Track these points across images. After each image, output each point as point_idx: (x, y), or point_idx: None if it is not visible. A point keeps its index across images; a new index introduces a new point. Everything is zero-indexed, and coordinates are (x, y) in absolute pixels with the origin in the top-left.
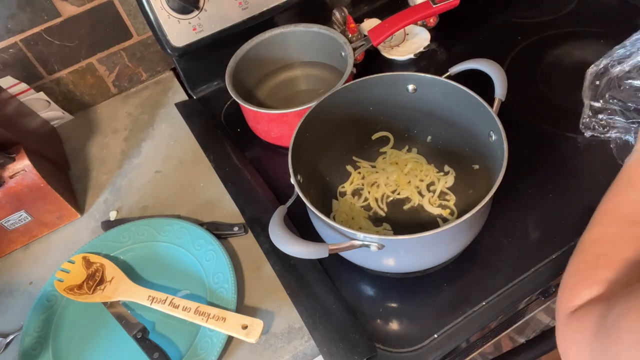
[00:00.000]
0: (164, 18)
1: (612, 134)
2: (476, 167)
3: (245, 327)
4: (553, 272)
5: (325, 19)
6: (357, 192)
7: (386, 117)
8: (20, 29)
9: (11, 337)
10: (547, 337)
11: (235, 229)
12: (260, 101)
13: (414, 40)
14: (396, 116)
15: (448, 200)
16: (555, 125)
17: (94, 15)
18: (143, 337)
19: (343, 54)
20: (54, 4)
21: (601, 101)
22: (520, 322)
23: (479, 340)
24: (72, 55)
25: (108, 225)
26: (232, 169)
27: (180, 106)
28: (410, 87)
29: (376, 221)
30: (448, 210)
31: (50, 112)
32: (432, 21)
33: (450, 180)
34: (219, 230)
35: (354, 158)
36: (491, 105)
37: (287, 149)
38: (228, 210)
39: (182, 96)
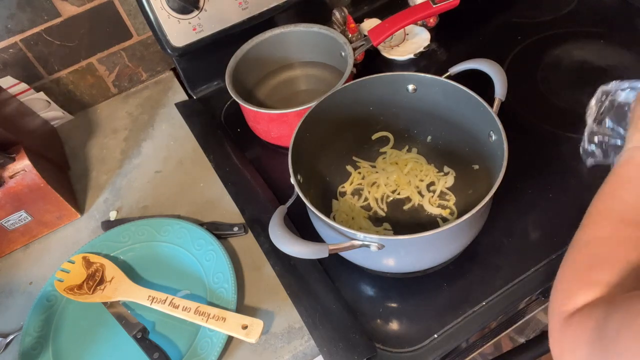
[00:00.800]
0: (164, 18)
1: (613, 159)
2: (476, 167)
3: (245, 327)
4: (553, 272)
5: (325, 19)
6: (357, 192)
7: (386, 117)
8: (20, 29)
9: (11, 337)
10: (547, 337)
11: (235, 229)
12: (260, 101)
13: (414, 40)
14: (396, 116)
15: (448, 200)
16: (555, 125)
17: (94, 15)
18: (143, 337)
19: (343, 54)
20: (54, 4)
21: (603, 123)
22: (520, 322)
23: (479, 340)
24: (72, 55)
25: (108, 225)
26: (232, 169)
27: (180, 106)
28: (410, 87)
29: (376, 221)
30: (448, 210)
31: (50, 112)
32: (432, 21)
33: (450, 180)
34: (219, 230)
35: (354, 158)
36: (491, 105)
37: (287, 149)
38: (228, 210)
39: (182, 96)
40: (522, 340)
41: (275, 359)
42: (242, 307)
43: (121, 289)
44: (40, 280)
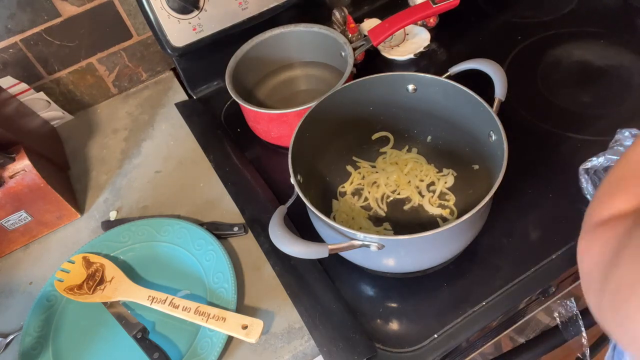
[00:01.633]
0: (164, 18)
1: None
2: (476, 167)
3: (245, 327)
4: (553, 272)
5: (325, 19)
6: (357, 192)
7: (386, 117)
8: (20, 29)
9: (11, 337)
10: (547, 337)
11: (235, 229)
12: (260, 101)
13: (414, 40)
14: (396, 116)
15: (448, 200)
16: (555, 125)
17: (94, 15)
18: (143, 337)
19: (343, 54)
20: (54, 4)
21: None
22: (520, 322)
23: (479, 340)
24: (72, 55)
25: (108, 225)
26: (232, 169)
27: (180, 106)
28: (410, 87)
29: (376, 221)
30: (448, 210)
31: (50, 112)
32: (432, 21)
33: (450, 180)
34: (219, 230)
35: (354, 158)
36: (491, 105)
37: (287, 149)
38: (228, 210)
39: (182, 96)
40: (522, 340)
41: (275, 359)
42: (242, 307)
43: (121, 289)
44: (40, 280)
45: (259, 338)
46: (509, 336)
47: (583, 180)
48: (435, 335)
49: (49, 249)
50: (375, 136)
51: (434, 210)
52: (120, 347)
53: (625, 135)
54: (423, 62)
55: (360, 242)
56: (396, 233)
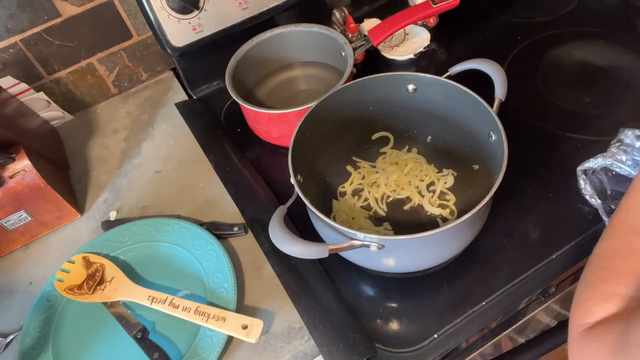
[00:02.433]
0: (164, 18)
1: None
2: (476, 167)
3: (245, 327)
4: (553, 272)
5: (325, 19)
6: (357, 192)
7: (386, 117)
8: (20, 29)
9: (11, 337)
10: (547, 337)
11: (235, 229)
12: (260, 101)
13: (414, 40)
14: (396, 116)
15: (448, 200)
16: (555, 125)
17: (94, 15)
18: (143, 337)
19: (343, 54)
20: (54, 4)
21: (608, 194)
22: (520, 322)
23: (479, 340)
24: (72, 55)
25: (108, 225)
26: (232, 169)
27: (180, 106)
28: (410, 87)
29: (376, 221)
30: (448, 210)
31: (50, 112)
32: (432, 21)
33: (450, 180)
34: (219, 230)
35: (354, 158)
36: (491, 105)
37: (287, 149)
38: (228, 210)
39: (182, 96)
40: (522, 340)
41: (275, 359)
42: (242, 307)
43: (121, 289)
44: (40, 280)
45: (259, 338)
46: (509, 336)
47: (581, 181)
48: (435, 335)
49: (49, 249)
50: (375, 136)
51: (434, 210)
52: (120, 347)
53: (627, 135)
54: (423, 62)
55: (360, 242)
56: (396, 233)
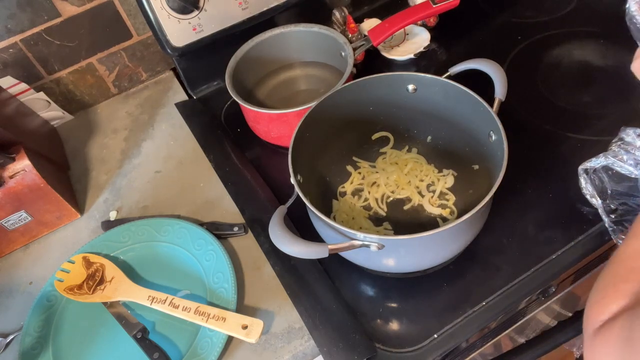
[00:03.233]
0: (164, 18)
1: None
2: (476, 167)
3: (245, 327)
4: (553, 272)
5: (325, 19)
6: (357, 192)
7: (386, 117)
8: (20, 29)
9: (11, 337)
10: (547, 337)
11: (235, 229)
12: (260, 101)
13: (414, 40)
14: (396, 116)
15: (448, 200)
16: (555, 125)
17: (94, 15)
18: (143, 337)
19: (343, 54)
20: (54, 4)
21: (609, 194)
22: (520, 322)
23: (479, 340)
24: (72, 55)
25: (108, 225)
26: (232, 169)
27: (180, 106)
28: (410, 87)
29: (376, 221)
30: (448, 210)
31: (50, 112)
32: (432, 21)
33: (450, 180)
34: (219, 230)
35: (354, 158)
36: (491, 105)
37: (287, 149)
38: (228, 210)
39: (182, 96)
40: (522, 340)
41: (275, 359)
42: (242, 307)
43: (121, 289)
44: (40, 280)
45: (259, 338)
46: (509, 336)
47: (582, 180)
48: (435, 335)
49: (49, 249)
50: (375, 136)
51: (434, 210)
52: (120, 347)
53: (629, 134)
54: (423, 62)
55: (360, 242)
56: (396, 233)
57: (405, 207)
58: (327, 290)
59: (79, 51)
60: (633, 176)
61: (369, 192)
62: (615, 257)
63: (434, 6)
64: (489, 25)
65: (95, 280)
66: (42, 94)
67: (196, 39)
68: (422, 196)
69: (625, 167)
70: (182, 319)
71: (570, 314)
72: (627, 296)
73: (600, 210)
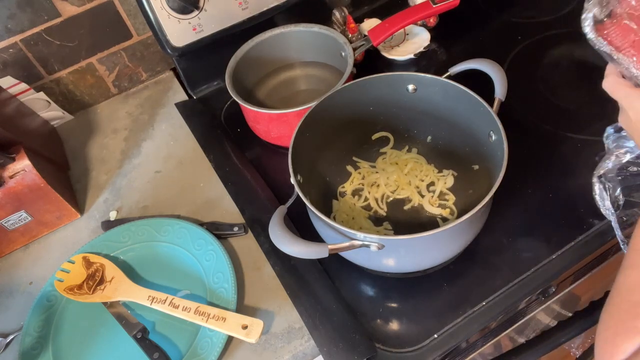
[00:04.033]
0: (164, 18)
1: None
2: (476, 167)
3: (245, 327)
4: (553, 272)
5: (325, 19)
6: (357, 192)
7: (386, 117)
8: (20, 29)
9: (11, 337)
10: (547, 337)
11: (235, 229)
12: (260, 101)
13: (414, 40)
14: (396, 116)
15: (448, 200)
16: (555, 125)
17: (94, 15)
18: (143, 337)
19: (343, 54)
20: (54, 4)
21: (620, 204)
22: (520, 322)
23: (479, 340)
24: (72, 55)
25: (108, 225)
26: (232, 169)
27: (180, 106)
28: (410, 87)
29: (376, 221)
30: (448, 210)
31: (50, 112)
32: (432, 21)
33: (450, 180)
34: (219, 230)
35: (354, 158)
36: (491, 105)
37: (287, 149)
38: (228, 210)
39: (182, 96)
40: (522, 340)
41: (275, 359)
42: (242, 307)
43: (121, 289)
44: (40, 280)
45: (259, 338)
46: (509, 336)
47: (597, 189)
48: (435, 335)
49: (49, 249)
50: (375, 136)
51: (434, 210)
52: (120, 347)
53: (610, 133)
54: (423, 62)
55: (360, 242)
56: (396, 233)
57: (405, 207)
58: (327, 290)
59: (79, 51)
60: None
61: (369, 192)
62: (617, 290)
63: (434, 6)
64: (489, 25)
65: (95, 280)
66: (42, 94)
67: (196, 39)
68: (422, 196)
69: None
70: (182, 319)
71: (570, 314)
72: (639, 333)
73: (614, 222)
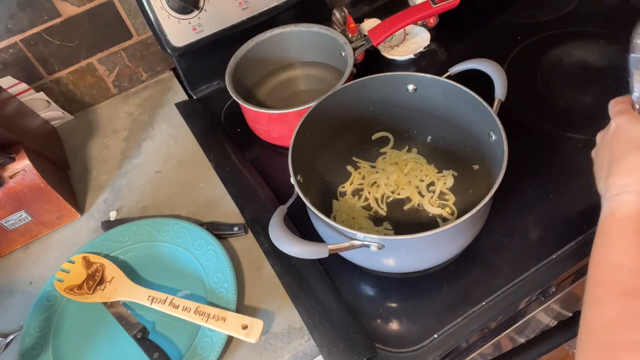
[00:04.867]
0: (164, 18)
1: None
2: (476, 167)
3: (245, 327)
4: (553, 272)
5: (325, 19)
6: (357, 192)
7: (386, 117)
8: (20, 29)
9: (11, 337)
10: (547, 337)
11: (235, 229)
12: (260, 101)
13: (414, 40)
14: (396, 116)
15: (448, 200)
16: (555, 125)
17: (94, 15)
18: (143, 337)
19: (343, 54)
20: (54, 4)
21: None
22: (520, 322)
23: (479, 340)
24: (72, 55)
25: (108, 225)
26: (232, 169)
27: (180, 106)
28: (410, 87)
29: (376, 221)
30: (448, 210)
31: (50, 112)
32: (432, 21)
33: (450, 180)
34: (219, 230)
35: (354, 158)
36: (491, 105)
37: (287, 149)
38: (228, 210)
39: (182, 96)
40: (522, 340)
41: (275, 359)
42: (242, 307)
43: (121, 289)
44: (40, 280)
45: (259, 338)
46: (509, 336)
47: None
48: (435, 335)
49: (49, 249)
50: (375, 136)
51: (434, 210)
52: (120, 347)
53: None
54: (423, 62)
55: (361, 242)
56: (396, 233)
57: (405, 207)
58: (327, 290)
59: (79, 51)
60: None
61: (369, 192)
62: (587, 327)
63: (434, 6)
64: (489, 25)
65: (95, 280)
66: (42, 94)
67: (196, 39)
68: (422, 196)
69: None
70: (182, 319)
71: (570, 314)
72: None
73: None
